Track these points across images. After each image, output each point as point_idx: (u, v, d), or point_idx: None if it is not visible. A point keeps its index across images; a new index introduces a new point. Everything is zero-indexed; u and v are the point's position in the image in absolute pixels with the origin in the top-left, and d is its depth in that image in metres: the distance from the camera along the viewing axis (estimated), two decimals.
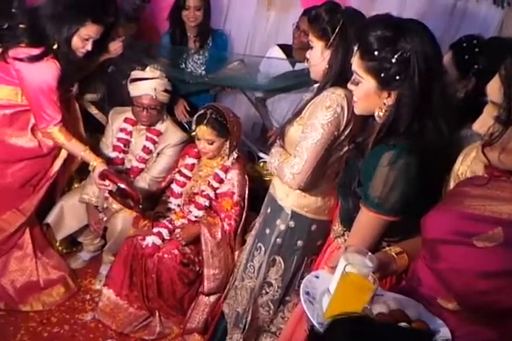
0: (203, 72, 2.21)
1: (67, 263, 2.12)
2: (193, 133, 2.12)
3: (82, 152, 1.67)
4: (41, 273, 1.93)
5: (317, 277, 0.98)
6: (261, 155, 2.20)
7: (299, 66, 2.11)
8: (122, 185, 1.66)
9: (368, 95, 1.01)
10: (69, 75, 1.62)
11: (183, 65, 2.21)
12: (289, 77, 2.07)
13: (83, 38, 1.56)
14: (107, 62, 1.87)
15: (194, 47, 2.23)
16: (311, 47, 1.28)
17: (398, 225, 1.05)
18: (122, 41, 1.81)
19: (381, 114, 1.00)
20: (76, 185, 2.09)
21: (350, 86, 1.05)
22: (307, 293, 0.92)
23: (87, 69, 1.77)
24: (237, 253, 1.87)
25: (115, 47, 1.79)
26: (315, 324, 0.85)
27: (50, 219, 1.97)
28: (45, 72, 1.54)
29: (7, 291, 1.85)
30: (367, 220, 1.03)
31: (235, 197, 1.83)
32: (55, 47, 1.51)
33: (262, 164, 2.18)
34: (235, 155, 1.83)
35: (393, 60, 0.94)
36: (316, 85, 1.40)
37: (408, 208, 1.00)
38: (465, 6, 2.04)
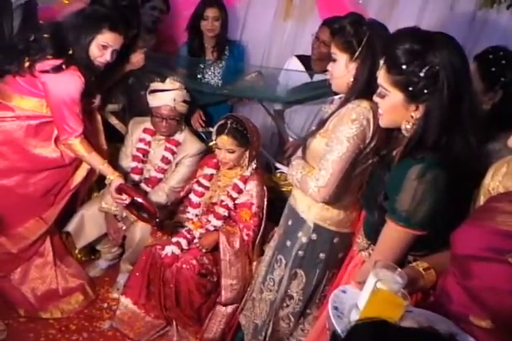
0: (220, 83, 2.23)
1: (85, 271, 2.14)
2: (212, 143, 2.14)
3: (100, 165, 1.70)
4: (60, 281, 1.95)
5: (344, 292, 0.97)
6: (278, 166, 2.20)
7: (317, 77, 2.12)
8: (139, 199, 1.68)
9: (394, 108, 1.00)
10: (92, 87, 1.65)
11: (201, 76, 2.24)
12: (307, 88, 2.08)
13: (100, 45, 1.59)
14: (127, 73, 1.90)
15: (212, 58, 2.26)
16: (334, 60, 1.28)
17: (425, 239, 1.04)
18: (144, 53, 1.84)
19: (408, 127, 1.00)
20: (95, 194, 2.12)
21: (375, 98, 1.04)
22: (335, 308, 0.91)
23: (110, 81, 1.80)
24: (254, 264, 1.87)
25: (137, 58, 1.82)
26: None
27: (71, 227, 2.00)
28: (69, 85, 1.58)
29: (28, 298, 1.87)
30: (393, 234, 1.02)
31: (254, 208, 1.83)
32: (71, 53, 1.54)
33: (278, 175, 2.18)
34: (253, 165, 1.84)
35: (422, 74, 0.94)
36: (336, 97, 1.41)
37: (436, 222, 0.99)
38: (485, 16, 2.01)
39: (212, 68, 2.24)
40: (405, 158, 0.99)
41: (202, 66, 2.23)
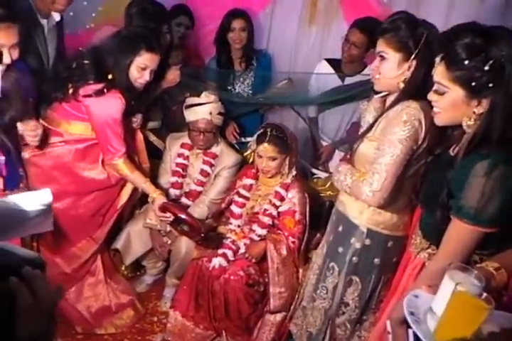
0: (251, 93, 2.25)
1: (132, 287, 2.18)
2: (247, 154, 2.16)
3: (143, 184, 1.75)
4: (112, 297, 1.99)
5: (416, 296, 0.95)
6: (314, 171, 2.20)
7: (348, 80, 2.12)
8: (183, 216, 1.71)
9: (454, 105, 0.99)
10: (133, 107, 1.70)
11: (231, 87, 2.27)
12: (339, 91, 2.08)
13: (139, 68, 1.62)
14: (164, 91, 1.94)
15: (240, 69, 2.29)
16: (382, 58, 1.24)
17: (492, 237, 1.01)
18: (179, 69, 1.88)
19: (470, 123, 0.98)
20: (138, 211, 2.16)
21: (432, 97, 1.03)
22: (412, 314, 0.90)
23: (148, 99, 1.84)
24: (301, 271, 1.87)
25: (173, 75, 1.86)
26: None
27: (119, 244, 2.04)
28: (110, 106, 1.63)
29: (83, 316, 1.92)
30: (460, 233, 1.00)
31: (297, 216, 1.83)
32: (111, 77, 1.58)
33: (315, 180, 2.19)
34: (293, 172, 1.84)
35: (486, 68, 0.92)
36: (377, 96, 1.38)
37: (504, 219, 0.97)
38: None
39: (241, 79, 2.27)
40: (470, 154, 0.97)
41: (231, 77, 2.26)
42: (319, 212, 2.01)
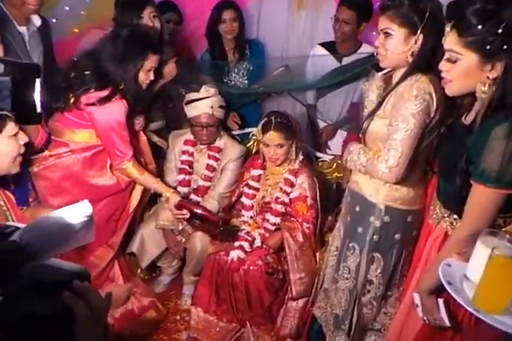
0: (247, 83, 2.23)
1: (151, 288, 2.17)
2: (250, 144, 2.15)
3: (154, 184, 1.73)
4: (134, 301, 1.99)
5: (449, 265, 0.97)
6: (318, 154, 2.20)
7: (346, 60, 2.11)
8: (199, 211, 1.70)
9: (468, 71, 1.00)
10: (135, 109, 1.67)
11: (227, 79, 2.25)
12: (338, 73, 2.07)
13: (147, 70, 1.61)
14: (162, 87, 1.90)
15: (234, 59, 2.27)
16: (387, 35, 1.24)
17: None
18: (175, 62, 1.84)
19: (484, 88, 0.99)
20: (147, 213, 2.15)
21: (444, 65, 1.03)
22: (449, 283, 0.92)
23: (149, 98, 1.80)
24: (317, 255, 1.88)
25: (170, 69, 1.82)
26: (472, 311, 0.85)
27: (135, 248, 2.03)
28: (114, 111, 1.59)
29: (109, 322, 1.91)
30: (484, 197, 1.01)
31: (309, 200, 1.84)
32: (122, 87, 1.55)
33: (320, 164, 2.19)
34: (300, 157, 1.85)
35: (499, 31, 0.93)
36: (380, 73, 1.38)
37: None
38: None
39: (236, 70, 2.25)
40: (487, 119, 0.98)
41: (226, 69, 2.24)
42: (327, 195, 2.02)
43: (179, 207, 1.71)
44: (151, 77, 1.64)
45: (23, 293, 0.43)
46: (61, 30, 2.22)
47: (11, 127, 1.16)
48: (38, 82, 0.50)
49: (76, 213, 0.51)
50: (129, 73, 1.58)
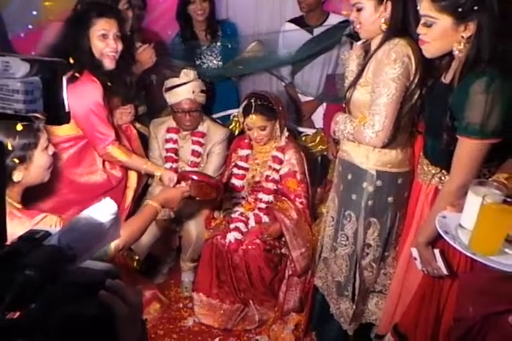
0: (220, 64, 2.20)
1: (150, 280, 2.17)
2: (232, 126, 2.14)
3: (144, 165, 1.69)
4: None
5: (444, 217, 1.03)
6: (301, 129, 2.23)
7: (317, 31, 2.11)
8: (200, 178, 1.65)
9: (444, 33, 1.05)
10: (118, 93, 1.60)
11: (200, 62, 2.21)
12: (312, 44, 2.07)
13: (100, 37, 1.51)
14: (142, 74, 1.84)
15: (206, 41, 2.23)
16: (359, 9, 1.28)
17: (495, 149, 1.08)
18: (153, 47, 1.78)
19: (460, 47, 1.04)
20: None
21: (421, 30, 1.08)
22: (446, 232, 0.97)
23: (131, 85, 1.71)
24: (312, 226, 1.93)
25: (149, 54, 1.77)
26: (469, 255, 0.91)
27: None
28: (89, 92, 1.53)
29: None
30: (470, 149, 1.07)
31: (298, 176, 1.87)
32: (78, 59, 1.44)
33: (304, 138, 2.22)
34: (286, 134, 1.86)
35: None
36: (359, 42, 1.40)
37: (505, 128, 1.05)
38: None
39: (209, 51, 2.21)
40: (466, 76, 1.03)
41: (198, 51, 2.20)
42: (313, 167, 2.07)
43: (180, 179, 1.65)
44: (112, 44, 1.53)
45: (63, 296, 0.43)
46: (16, 25, 2.11)
47: (44, 140, 1.19)
48: (64, 79, 0.48)
49: (103, 212, 0.50)
50: (79, 44, 1.49)
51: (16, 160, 1.10)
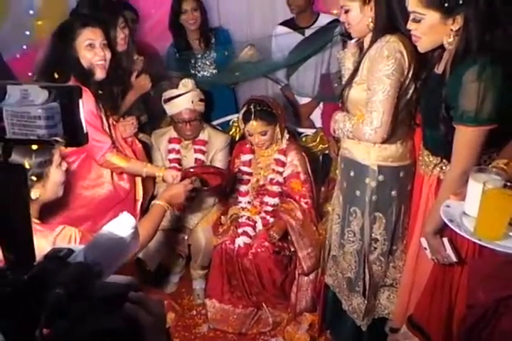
0: (215, 72, 2.23)
1: (162, 290, 2.19)
2: (232, 132, 2.17)
3: (144, 168, 1.69)
4: None
5: (448, 206, 1.06)
6: (300, 130, 2.25)
7: (308, 32, 2.15)
8: (198, 170, 1.65)
9: (433, 28, 1.09)
10: (105, 101, 1.61)
11: (194, 71, 2.24)
12: (304, 46, 2.10)
13: (87, 47, 1.53)
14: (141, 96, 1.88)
15: (200, 49, 2.26)
16: (346, 11, 1.33)
17: (493, 136, 1.12)
18: (150, 76, 1.82)
19: (450, 40, 1.08)
20: None
21: (411, 25, 1.12)
22: (451, 221, 1.00)
23: (118, 95, 1.74)
24: (319, 226, 1.95)
25: (144, 81, 1.81)
26: (475, 241, 0.94)
27: (141, 254, 2.02)
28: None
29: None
30: (467, 137, 1.10)
31: (302, 176, 1.90)
32: (66, 69, 1.47)
33: (304, 139, 2.25)
34: (287, 136, 1.89)
35: None
36: (352, 41, 1.44)
37: (501, 114, 1.08)
38: None
39: (204, 60, 2.25)
40: (457, 66, 1.07)
41: (193, 60, 2.23)
42: (315, 167, 2.09)
43: (184, 176, 1.66)
44: (100, 53, 1.54)
45: (89, 310, 0.43)
46: (11, 46, 2.14)
47: (57, 156, 1.21)
48: (81, 103, 0.52)
49: (123, 226, 0.51)
50: (66, 57, 1.51)
51: (34, 178, 1.13)
